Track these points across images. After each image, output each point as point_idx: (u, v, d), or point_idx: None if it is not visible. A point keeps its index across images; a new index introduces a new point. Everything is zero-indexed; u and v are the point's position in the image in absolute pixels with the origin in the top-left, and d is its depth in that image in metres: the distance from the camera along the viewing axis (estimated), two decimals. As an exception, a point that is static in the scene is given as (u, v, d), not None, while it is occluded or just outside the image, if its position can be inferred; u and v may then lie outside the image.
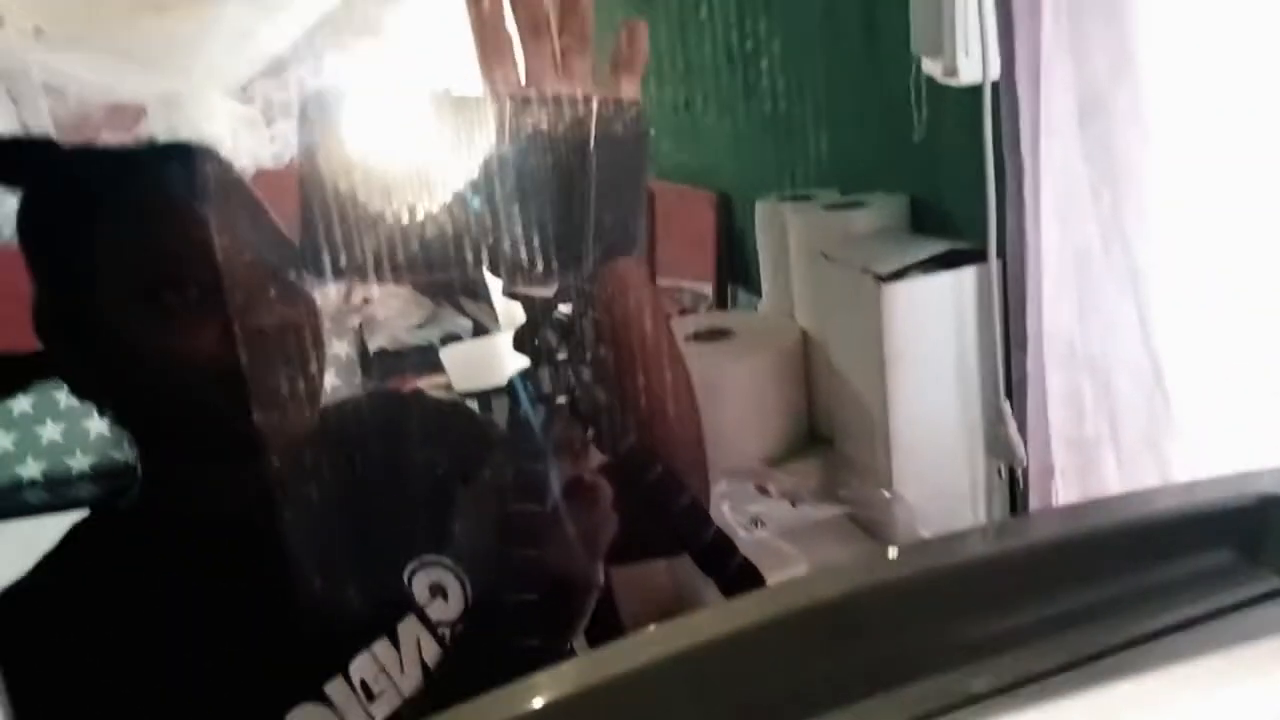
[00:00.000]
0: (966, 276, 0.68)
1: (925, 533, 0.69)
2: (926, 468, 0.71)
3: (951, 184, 0.74)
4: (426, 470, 0.45)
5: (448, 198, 0.33)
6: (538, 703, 0.27)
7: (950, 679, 0.30)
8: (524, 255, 0.36)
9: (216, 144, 0.39)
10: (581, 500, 0.36)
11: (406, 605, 0.42)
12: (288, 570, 0.39)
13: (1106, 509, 0.44)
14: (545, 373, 0.36)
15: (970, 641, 0.34)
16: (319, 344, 0.40)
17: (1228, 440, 0.50)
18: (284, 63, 1.05)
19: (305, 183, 0.31)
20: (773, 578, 0.41)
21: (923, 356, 0.68)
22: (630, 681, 0.28)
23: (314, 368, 0.39)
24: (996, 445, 0.67)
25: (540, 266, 0.36)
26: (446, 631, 0.42)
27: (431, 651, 0.41)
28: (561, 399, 0.36)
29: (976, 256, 0.67)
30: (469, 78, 0.34)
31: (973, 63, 0.58)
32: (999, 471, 0.70)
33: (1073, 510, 0.46)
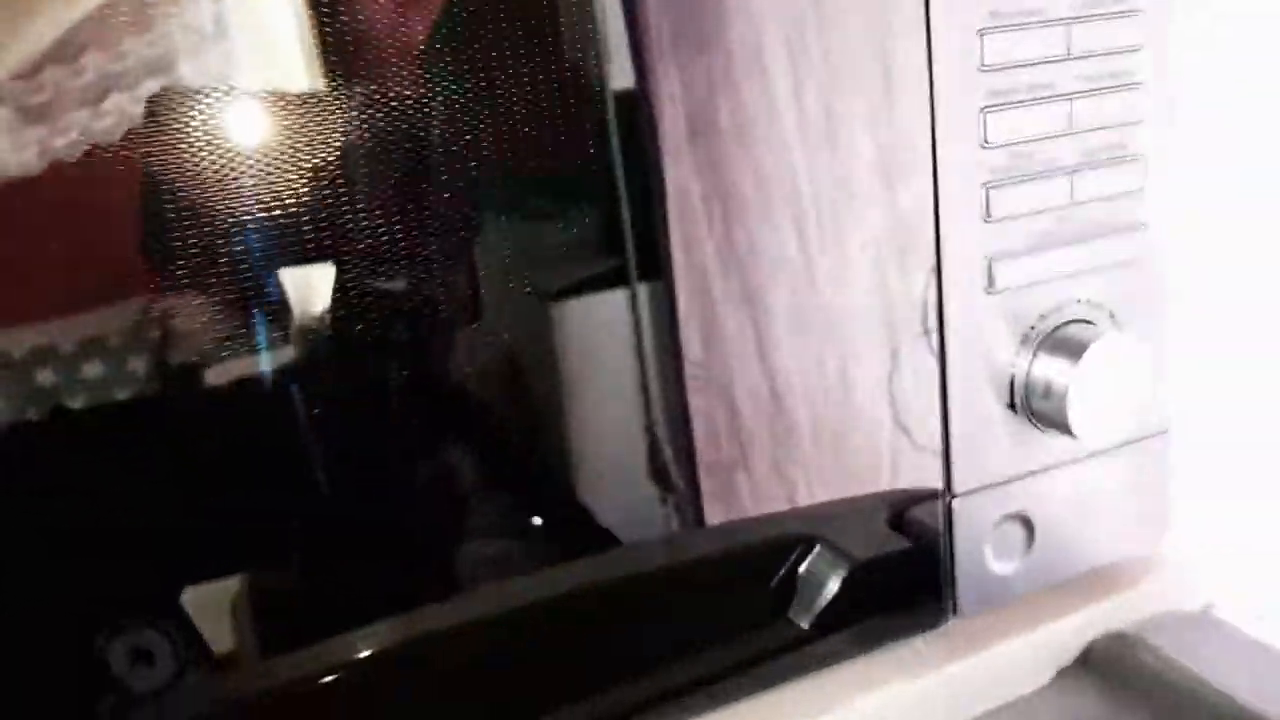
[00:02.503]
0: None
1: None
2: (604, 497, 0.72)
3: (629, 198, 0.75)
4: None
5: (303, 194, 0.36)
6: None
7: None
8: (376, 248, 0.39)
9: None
10: None
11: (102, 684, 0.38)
12: None
13: (653, 551, 0.50)
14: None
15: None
16: None
17: (845, 463, 0.55)
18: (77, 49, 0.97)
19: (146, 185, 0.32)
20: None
21: (591, 380, 0.69)
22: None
23: None
24: (653, 472, 0.69)
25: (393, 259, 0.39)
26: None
27: None
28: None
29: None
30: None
31: (617, 68, 0.53)
32: (660, 499, 0.72)
33: (613, 556, 0.50)
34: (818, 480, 0.67)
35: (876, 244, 0.52)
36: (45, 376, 0.45)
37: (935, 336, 0.41)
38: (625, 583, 0.50)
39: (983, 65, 0.39)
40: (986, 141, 0.39)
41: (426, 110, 0.47)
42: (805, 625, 0.48)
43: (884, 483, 0.53)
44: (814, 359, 0.64)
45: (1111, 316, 0.43)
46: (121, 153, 0.37)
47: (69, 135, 0.41)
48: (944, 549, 0.43)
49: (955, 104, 0.39)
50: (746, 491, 0.73)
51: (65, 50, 0.39)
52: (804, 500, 0.68)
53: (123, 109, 0.40)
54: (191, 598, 0.44)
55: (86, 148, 0.38)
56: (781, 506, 0.69)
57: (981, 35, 0.39)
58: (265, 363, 0.50)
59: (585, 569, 0.53)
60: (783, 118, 0.62)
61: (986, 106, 0.39)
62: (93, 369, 0.52)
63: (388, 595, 0.45)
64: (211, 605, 0.43)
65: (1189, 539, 0.48)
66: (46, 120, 0.39)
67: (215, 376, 0.52)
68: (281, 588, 0.43)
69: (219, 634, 0.42)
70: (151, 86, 0.39)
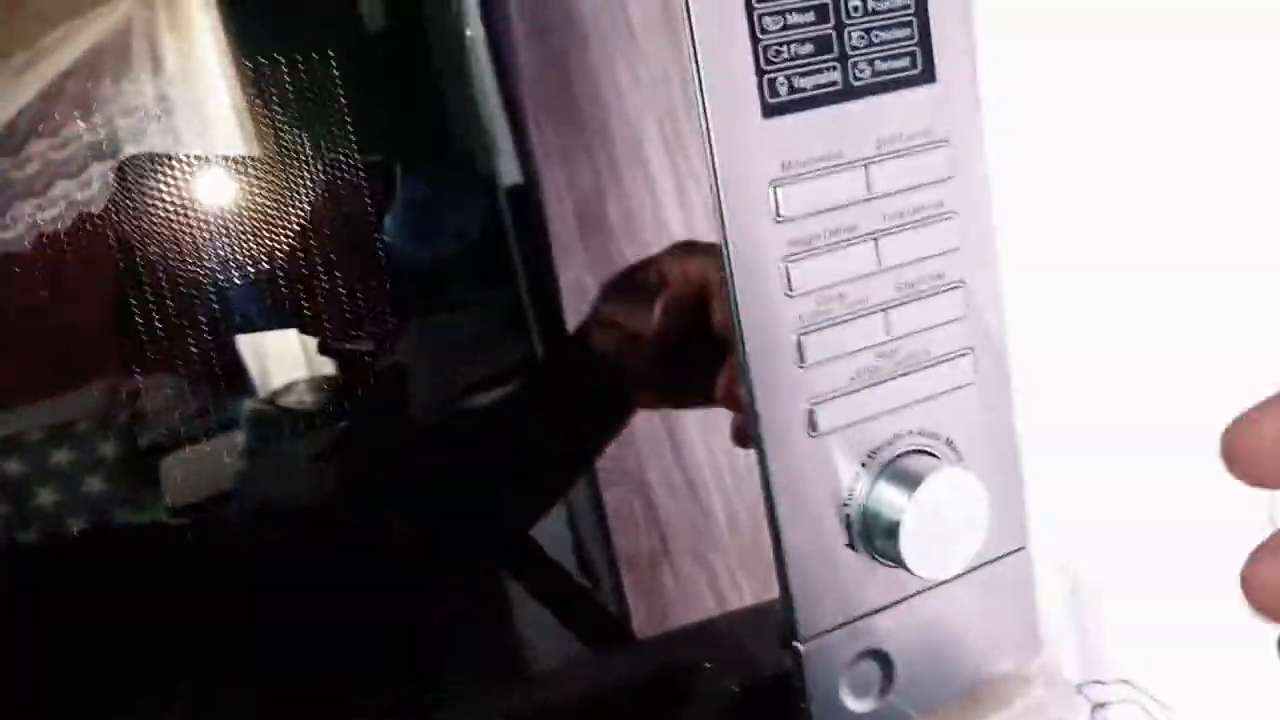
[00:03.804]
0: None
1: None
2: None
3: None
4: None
5: (256, 259, 0.38)
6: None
7: None
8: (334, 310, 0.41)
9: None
10: None
11: None
12: None
13: (543, 683, 0.50)
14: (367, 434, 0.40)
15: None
16: None
17: (763, 556, 0.55)
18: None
19: (116, 260, 0.34)
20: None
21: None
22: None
23: None
24: (579, 566, 0.70)
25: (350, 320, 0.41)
26: None
27: None
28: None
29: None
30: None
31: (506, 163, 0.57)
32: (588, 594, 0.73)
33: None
34: (741, 574, 0.67)
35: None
36: (13, 467, 0.46)
37: (762, 488, 0.41)
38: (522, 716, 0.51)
39: (777, 216, 0.39)
40: (790, 290, 0.39)
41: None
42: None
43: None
44: (722, 450, 0.64)
45: (949, 443, 0.43)
46: (73, 239, 0.38)
47: (16, 228, 0.42)
48: (796, 694, 0.43)
49: (752, 257, 0.39)
50: (671, 585, 0.73)
51: (8, 141, 0.40)
52: (730, 593, 0.68)
53: (70, 196, 0.41)
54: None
55: (36, 238, 0.39)
56: (707, 601, 0.70)
57: (774, 187, 0.39)
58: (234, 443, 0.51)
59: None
60: (667, 212, 0.62)
61: (787, 256, 0.39)
62: (61, 456, 0.54)
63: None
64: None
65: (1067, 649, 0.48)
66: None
67: (178, 461, 0.53)
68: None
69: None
70: (97, 171, 0.40)
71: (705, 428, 0.67)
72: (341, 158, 0.44)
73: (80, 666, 0.42)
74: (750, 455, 0.64)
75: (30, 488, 0.46)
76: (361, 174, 0.45)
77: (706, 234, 0.60)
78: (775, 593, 0.59)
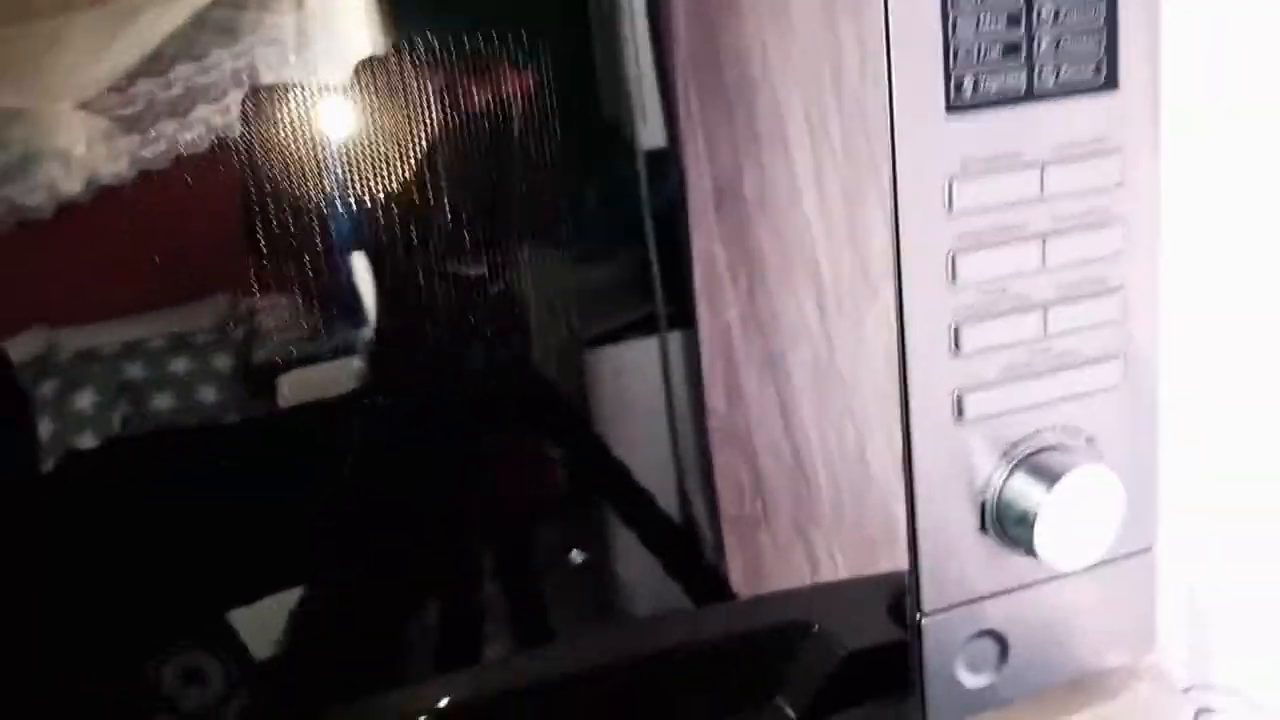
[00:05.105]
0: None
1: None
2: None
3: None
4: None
5: (382, 177, 0.41)
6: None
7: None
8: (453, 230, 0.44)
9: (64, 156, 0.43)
10: None
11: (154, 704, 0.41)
12: None
13: (650, 631, 0.52)
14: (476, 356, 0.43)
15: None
16: None
17: (865, 534, 0.57)
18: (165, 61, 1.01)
19: (246, 183, 0.37)
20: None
21: (623, 423, 0.72)
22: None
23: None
24: (680, 521, 0.72)
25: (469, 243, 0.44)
26: None
27: None
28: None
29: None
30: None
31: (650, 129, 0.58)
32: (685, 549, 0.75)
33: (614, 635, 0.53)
34: (837, 547, 0.70)
35: (890, 323, 0.54)
36: (134, 371, 0.49)
37: (902, 465, 0.44)
38: (627, 661, 0.53)
39: (951, 210, 0.41)
40: (954, 281, 0.42)
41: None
42: (792, 714, 0.51)
43: (900, 559, 0.55)
44: (834, 427, 0.67)
45: (1089, 441, 0.45)
46: (207, 160, 0.41)
47: (158, 145, 0.45)
48: (914, 664, 0.46)
49: (921, 247, 0.41)
50: (769, 550, 0.76)
51: (156, 64, 0.43)
52: (825, 565, 0.71)
53: (209, 120, 0.44)
54: (245, 617, 0.49)
55: (174, 157, 0.42)
56: (802, 570, 0.72)
57: (950, 180, 0.41)
58: (337, 367, 0.54)
59: (588, 645, 0.54)
60: (803, 194, 0.64)
61: (954, 249, 0.41)
62: (179, 364, 0.57)
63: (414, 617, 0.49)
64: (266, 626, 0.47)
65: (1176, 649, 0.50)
66: (137, 131, 0.44)
67: (291, 381, 0.57)
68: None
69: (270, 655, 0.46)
70: (235, 97, 0.43)
71: (818, 403, 0.69)
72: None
73: (180, 562, 0.43)
74: (858, 436, 0.66)
75: (149, 392, 0.49)
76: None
77: (838, 213, 0.62)
78: (871, 569, 0.62)
